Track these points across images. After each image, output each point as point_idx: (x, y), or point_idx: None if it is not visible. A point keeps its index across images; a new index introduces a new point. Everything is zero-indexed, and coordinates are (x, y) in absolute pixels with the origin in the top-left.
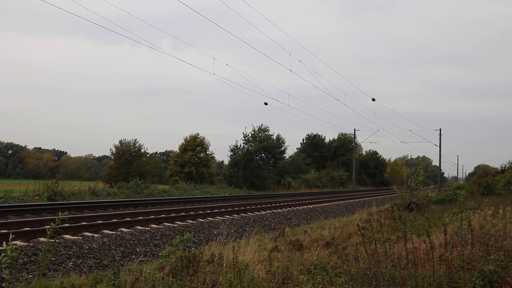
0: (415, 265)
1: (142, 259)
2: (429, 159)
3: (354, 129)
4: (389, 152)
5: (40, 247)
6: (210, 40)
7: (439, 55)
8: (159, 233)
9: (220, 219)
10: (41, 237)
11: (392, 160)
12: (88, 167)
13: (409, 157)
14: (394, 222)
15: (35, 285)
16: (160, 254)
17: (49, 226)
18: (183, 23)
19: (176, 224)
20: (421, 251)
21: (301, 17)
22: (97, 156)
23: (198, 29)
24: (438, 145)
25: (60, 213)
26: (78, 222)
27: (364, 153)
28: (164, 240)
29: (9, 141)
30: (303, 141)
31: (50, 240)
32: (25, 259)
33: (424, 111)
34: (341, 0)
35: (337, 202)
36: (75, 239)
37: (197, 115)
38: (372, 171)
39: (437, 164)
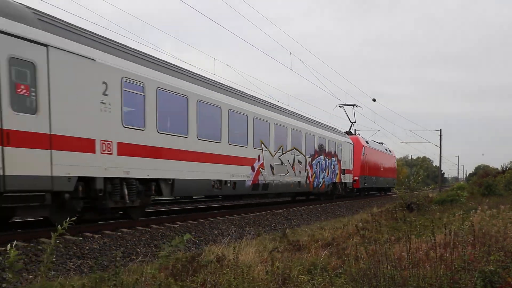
0: (415, 265)
1: (143, 259)
2: (430, 160)
3: (355, 130)
4: None
5: (40, 247)
6: (211, 40)
7: (439, 55)
8: (160, 233)
9: (221, 219)
10: (42, 238)
11: None
12: None
13: (410, 158)
14: (396, 223)
15: (36, 286)
16: (160, 254)
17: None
18: (184, 23)
19: (177, 224)
20: (421, 252)
21: (301, 17)
22: None
23: (199, 29)
24: (439, 146)
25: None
26: (78, 222)
27: None
28: (165, 240)
29: None
30: None
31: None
32: (26, 259)
33: (425, 112)
34: (342, 0)
35: (338, 203)
36: (75, 239)
37: None
38: None
39: (438, 165)
